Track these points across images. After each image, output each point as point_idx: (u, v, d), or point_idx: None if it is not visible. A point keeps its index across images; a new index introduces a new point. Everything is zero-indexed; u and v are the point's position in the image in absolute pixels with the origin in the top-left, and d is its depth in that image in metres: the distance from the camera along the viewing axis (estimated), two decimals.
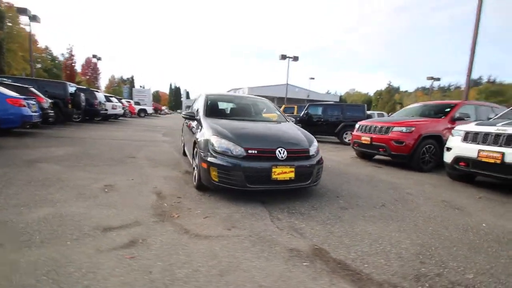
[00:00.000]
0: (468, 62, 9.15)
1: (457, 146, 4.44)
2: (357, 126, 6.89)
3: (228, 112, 4.34)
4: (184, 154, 5.72)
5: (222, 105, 4.49)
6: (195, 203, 2.97)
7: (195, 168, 3.55)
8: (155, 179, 3.86)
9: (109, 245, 1.96)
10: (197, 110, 4.10)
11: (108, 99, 14.56)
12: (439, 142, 5.76)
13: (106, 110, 13.57)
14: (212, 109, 4.12)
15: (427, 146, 5.67)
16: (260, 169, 2.92)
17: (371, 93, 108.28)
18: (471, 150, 4.16)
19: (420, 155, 5.63)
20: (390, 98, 56.98)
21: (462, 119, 5.97)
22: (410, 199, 3.62)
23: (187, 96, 73.95)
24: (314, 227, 2.52)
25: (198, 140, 3.34)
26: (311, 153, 3.28)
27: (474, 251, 2.21)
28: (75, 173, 3.85)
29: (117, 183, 3.54)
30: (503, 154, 3.72)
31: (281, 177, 2.97)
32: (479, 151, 4.02)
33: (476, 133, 4.19)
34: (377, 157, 7.08)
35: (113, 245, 1.97)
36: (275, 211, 2.86)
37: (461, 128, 4.58)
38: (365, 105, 12.20)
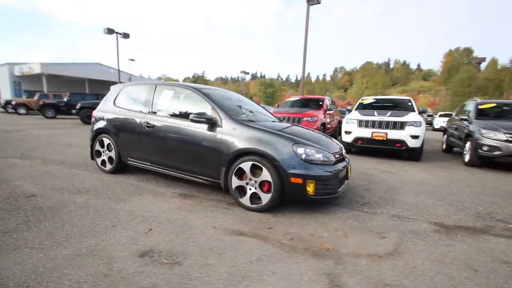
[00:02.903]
0: (302, 63, 12.55)
1: (355, 130, 6.45)
2: None
3: (250, 112, 3.55)
4: (117, 171, 3.89)
5: (235, 103, 3.55)
6: (297, 228, 2.50)
7: (248, 187, 2.81)
8: (174, 216, 2.59)
9: None
10: (201, 112, 3.03)
11: None
12: (325, 127, 7.87)
13: None
14: (235, 110, 3.23)
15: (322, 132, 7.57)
16: (344, 171, 2.95)
17: (181, 79, 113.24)
18: (366, 132, 6.25)
19: None
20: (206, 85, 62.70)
21: (330, 109, 8.46)
22: (367, 172, 4.97)
23: None
24: (391, 211, 3.05)
25: (267, 152, 2.66)
26: None
27: (456, 193, 3.73)
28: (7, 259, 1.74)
29: (149, 244, 2.07)
30: (386, 133, 6.01)
31: (348, 173, 3.17)
32: (373, 132, 6.16)
33: (367, 121, 6.32)
34: None
35: None
36: (355, 207, 3.06)
37: (353, 117, 6.63)
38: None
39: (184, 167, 3.24)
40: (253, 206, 2.79)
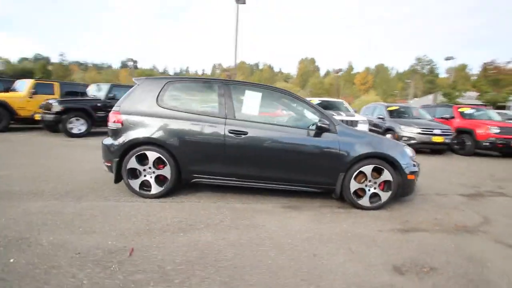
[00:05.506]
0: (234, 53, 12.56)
1: None
2: None
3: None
4: (167, 193, 3.03)
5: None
6: (420, 217, 2.97)
7: (367, 189, 3.02)
8: (333, 231, 2.51)
9: None
10: (323, 119, 2.98)
11: None
12: None
13: None
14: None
15: None
16: None
17: (15, 60, 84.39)
18: None
19: None
20: (65, 72, 50.01)
21: None
22: None
23: None
24: (428, 191, 4.07)
25: (390, 155, 2.96)
26: None
27: (429, 173, 5.23)
28: None
29: None
30: None
31: None
32: None
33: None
34: None
35: None
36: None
37: None
38: None
39: (292, 177, 2.99)
40: (372, 205, 3.03)
